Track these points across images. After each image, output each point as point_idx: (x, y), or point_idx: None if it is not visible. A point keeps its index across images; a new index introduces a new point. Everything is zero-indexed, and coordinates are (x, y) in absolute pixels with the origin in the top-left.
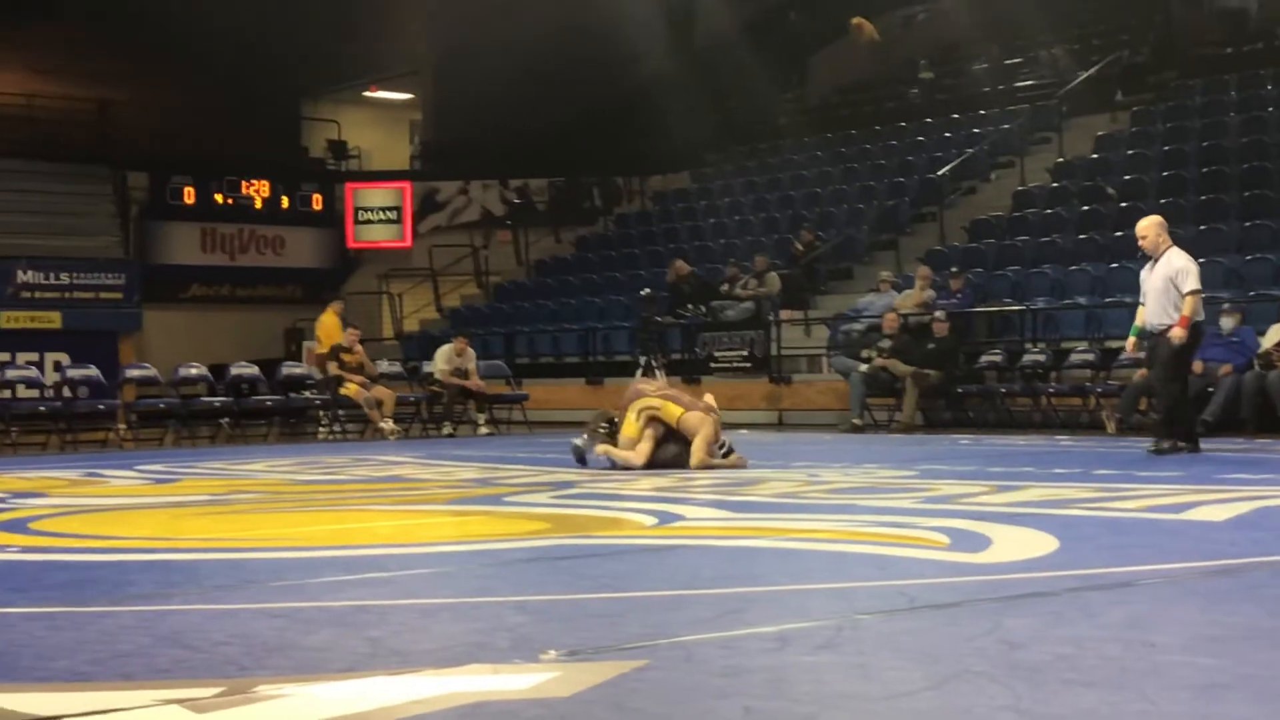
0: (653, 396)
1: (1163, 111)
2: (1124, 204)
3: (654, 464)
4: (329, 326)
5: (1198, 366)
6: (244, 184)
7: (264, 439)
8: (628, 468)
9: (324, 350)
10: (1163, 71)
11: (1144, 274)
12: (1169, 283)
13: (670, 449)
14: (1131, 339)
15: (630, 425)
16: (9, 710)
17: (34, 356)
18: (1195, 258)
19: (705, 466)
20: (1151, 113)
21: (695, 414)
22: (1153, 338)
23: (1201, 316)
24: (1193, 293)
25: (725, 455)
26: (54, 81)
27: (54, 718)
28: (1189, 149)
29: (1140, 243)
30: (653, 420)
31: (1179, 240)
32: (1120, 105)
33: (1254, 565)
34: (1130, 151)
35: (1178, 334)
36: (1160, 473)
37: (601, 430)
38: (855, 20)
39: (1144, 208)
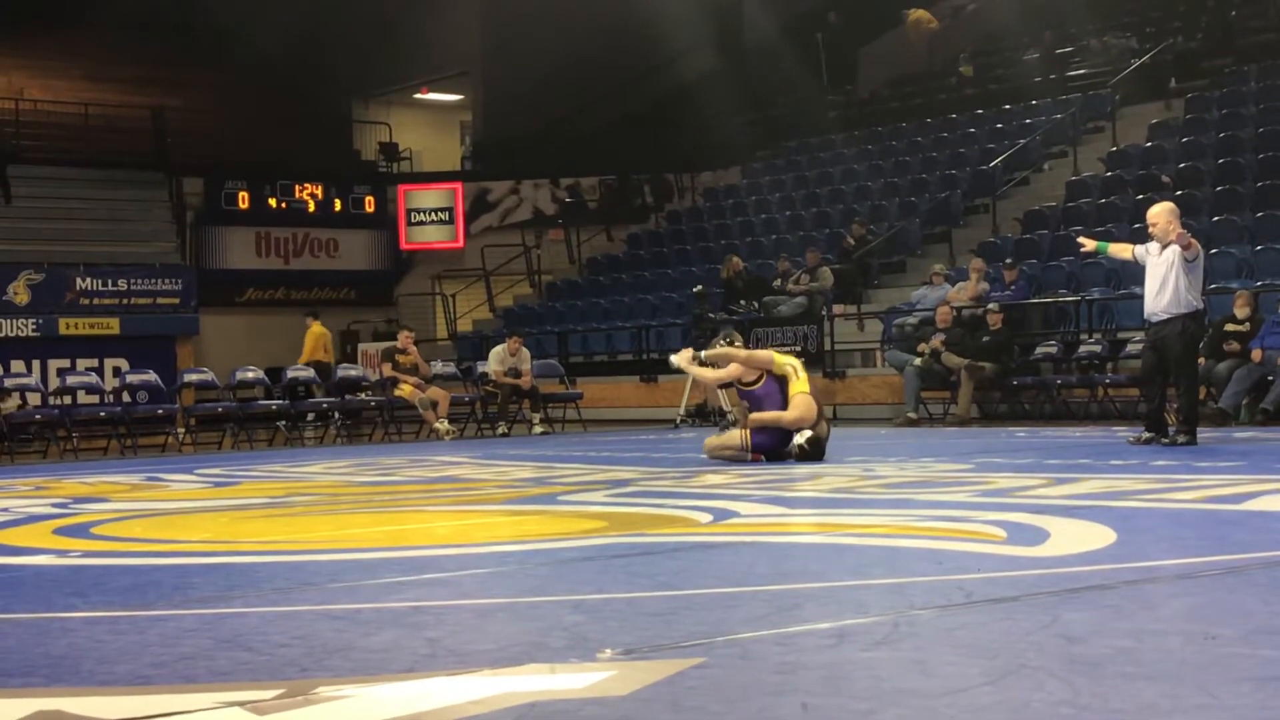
0: (801, 365)
1: (1217, 98)
2: (1179, 192)
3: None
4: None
5: (1256, 355)
6: (297, 188)
7: (320, 441)
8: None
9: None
10: (1216, 57)
11: (1149, 258)
12: (1172, 269)
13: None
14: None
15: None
16: (73, 714)
17: (93, 362)
18: (1251, 245)
19: (749, 427)
20: (1206, 99)
21: (807, 400)
22: (1154, 327)
23: (1194, 258)
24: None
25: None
26: (108, 90)
27: None
28: (1244, 135)
29: (1150, 229)
30: (764, 370)
31: (1234, 228)
32: (1174, 92)
33: None
34: (1185, 139)
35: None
36: (1219, 463)
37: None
38: (912, 17)
39: (1199, 195)
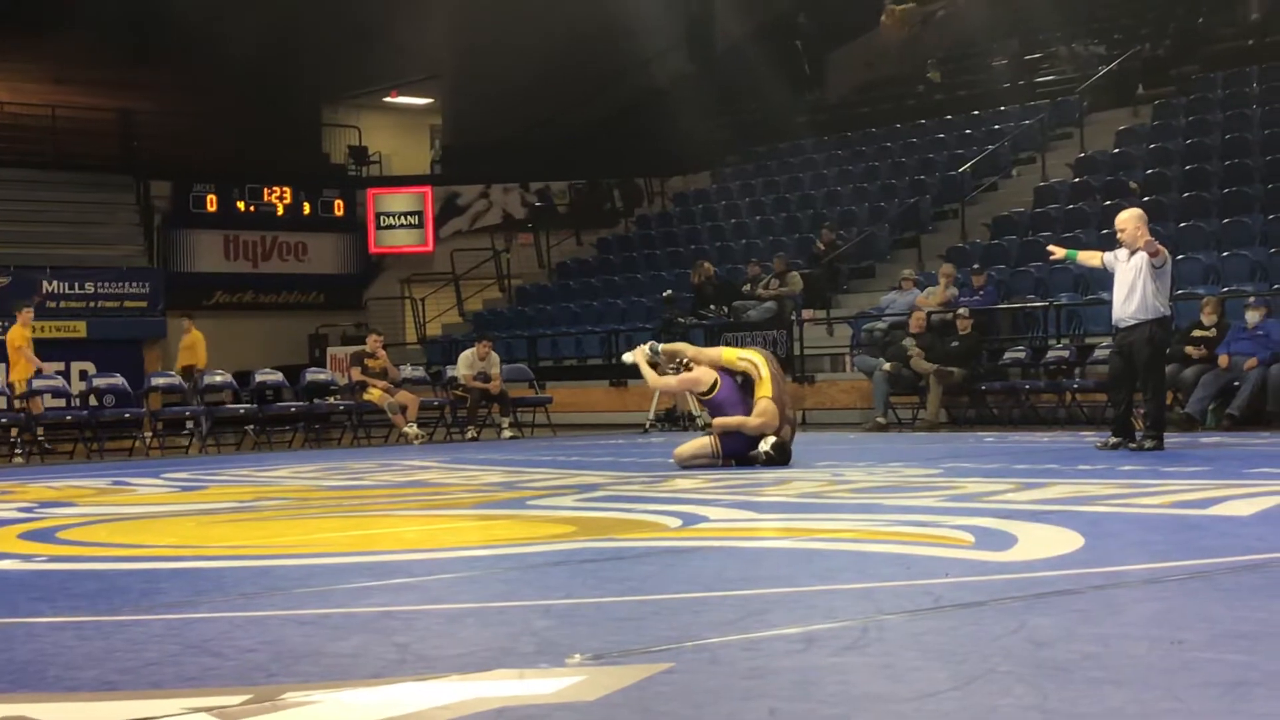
0: (766, 362)
1: (1184, 105)
2: (1146, 198)
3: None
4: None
5: (1223, 360)
6: (266, 191)
7: (288, 445)
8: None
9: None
10: (1184, 64)
11: (1117, 265)
12: (1140, 275)
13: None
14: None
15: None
16: None
17: (60, 366)
18: (1217, 251)
19: (716, 434)
20: (1173, 106)
21: (770, 406)
22: (1122, 333)
23: (1161, 265)
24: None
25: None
26: (76, 92)
27: None
28: (1211, 142)
29: (1119, 235)
30: (724, 370)
31: (1201, 234)
32: (1141, 99)
33: None
34: (1151, 145)
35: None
36: (1185, 468)
37: (670, 369)
38: (886, 17)
39: (1167, 201)
